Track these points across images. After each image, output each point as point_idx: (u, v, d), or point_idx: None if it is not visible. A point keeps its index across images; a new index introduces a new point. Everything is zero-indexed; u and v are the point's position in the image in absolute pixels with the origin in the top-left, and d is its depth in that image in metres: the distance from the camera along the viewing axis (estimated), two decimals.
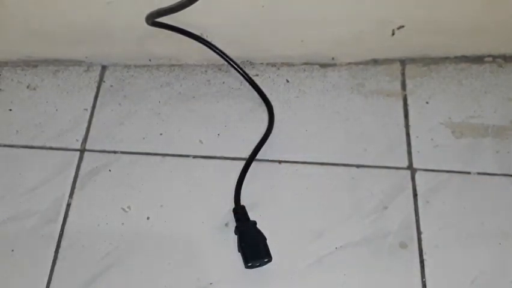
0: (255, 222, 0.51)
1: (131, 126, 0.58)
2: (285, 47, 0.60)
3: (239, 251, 0.50)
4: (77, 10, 0.55)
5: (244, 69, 0.58)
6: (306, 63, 0.62)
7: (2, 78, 0.62)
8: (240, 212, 0.51)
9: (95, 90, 0.61)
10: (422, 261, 0.50)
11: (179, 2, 0.52)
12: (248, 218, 0.51)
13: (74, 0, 0.54)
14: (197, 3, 0.51)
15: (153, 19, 0.54)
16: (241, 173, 0.53)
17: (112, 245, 0.51)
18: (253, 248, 0.49)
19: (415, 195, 0.53)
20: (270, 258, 0.49)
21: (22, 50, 0.62)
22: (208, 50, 0.57)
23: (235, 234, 0.51)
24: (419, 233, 0.51)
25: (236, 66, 0.58)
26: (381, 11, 0.55)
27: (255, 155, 0.55)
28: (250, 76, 0.58)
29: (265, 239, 0.50)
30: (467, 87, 0.59)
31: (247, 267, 0.49)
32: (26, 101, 0.61)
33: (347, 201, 0.53)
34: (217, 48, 0.57)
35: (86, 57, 0.62)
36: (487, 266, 0.49)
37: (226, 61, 0.57)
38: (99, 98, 0.60)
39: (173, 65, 0.63)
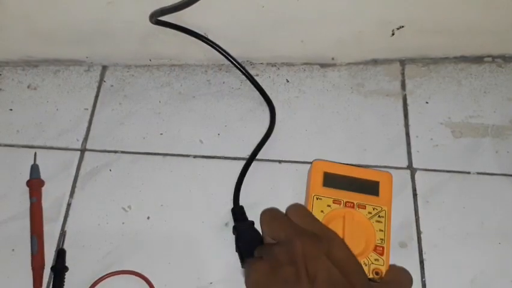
0: (252, 223, 0.51)
1: (131, 126, 0.58)
2: (285, 47, 0.60)
3: (236, 251, 0.50)
4: (77, 10, 0.55)
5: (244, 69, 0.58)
6: (306, 63, 0.62)
7: (3, 78, 0.62)
8: (238, 212, 0.51)
9: (95, 90, 0.61)
10: (421, 261, 0.50)
11: (183, 0, 0.52)
12: (246, 218, 0.51)
13: (75, 0, 0.54)
14: (198, 2, 0.51)
15: (156, 18, 0.54)
16: (240, 173, 0.54)
17: (112, 244, 0.51)
18: (250, 248, 0.49)
19: (415, 194, 0.53)
20: None
21: (23, 50, 0.62)
22: (209, 50, 0.57)
23: (233, 234, 0.51)
24: (418, 232, 0.51)
25: (240, 67, 0.58)
26: (381, 11, 0.55)
27: (255, 156, 0.55)
28: (252, 76, 0.59)
29: (262, 239, 0.50)
30: (467, 87, 0.60)
31: (243, 267, 0.49)
32: (26, 100, 0.61)
33: None
34: (221, 48, 0.57)
35: (87, 57, 0.62)
36: (487, 266, 0.49)
37: (230, 61, 0.57)
38: (99, 98, 0.60)
39: (173, 65, 0.63)
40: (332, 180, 0.50)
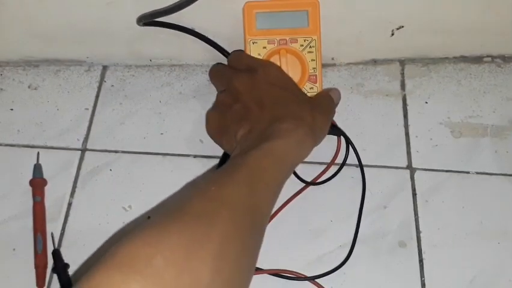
0: None
1: (132, 125, 0.58)
2: None
3: None
4: (77, 10, 0.55)
5: None
6: None
7: (4, 78, 0.62)
8: None
9: (96, 90, 0.61)
10: (421, 261, 0.50)
11: (175, 3, 0.52)
12: None
13: (75, 1, 0.54)
14: (195, 3, 0.51)
15: (144, 21, 0.55)
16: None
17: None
18: None
19: (414, 194, 0.53)
20: None
21: (23, 50, 0.62)
22: (209, 50, 0.57)
23: None
24: (418, 232, 0.52)
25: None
26: (381, 12, 0.55)
27: None
28: None
29: None
30: (466, 87, 0.60)
31: None
32: (27, 100, 0.61)
33: (346, 200, 0.53)
34: (213, 41, 0.57)
35: (87, 57, 0.62)
36: (486, 265, 0.50)
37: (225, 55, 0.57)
38: (100, 98, 0.60)
39: (173, 65, 0.63)
40: (264, 20, 0.53)
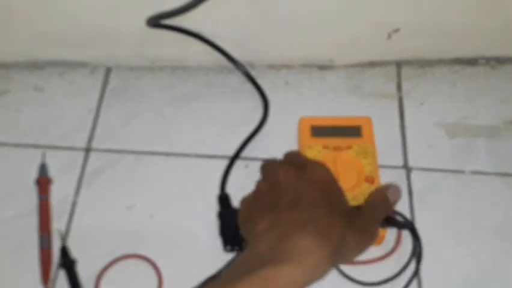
0: (236, 210, 0.51)
1: (135, 126, 0.59)
2: (284, 49, 0.61)
3: (219, 235, 0.52)
4: (81, 13, 0.56)
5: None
6: (304, 65, 0.63)
7: (10, 79, 0.63)
8: (223, 199, 0.53)
9: (100, 91, 0.62)
10: (417, 258, 0.50)
11: (183, 5, 0.53)
12: (229, 206, 0.53)
13: (78, 4, 0.55)
14: (198, 6, 0.52)
15: (154, 22, 0.55)
16: (229, 163, 0.55)
17: (116, 242, 0.52)
18: (231, 232, 0.51)
19: (410, 193, 0.54)
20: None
21: (29, 52, 0.63)
22: (210, 51, 0.58)
23: (217, 219, 0.52)
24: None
25: (236, 65, 0.58)
26: (378, 15, 0.56)
27: (249, 141, 0.57)
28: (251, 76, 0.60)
29: None
30: (461, 88, 0.60)
31: (225, 250, 0.51)
32: (33, 101, 0.62)
33: None
34: (220, 48, 0.58)
35: (91, 60, 0.63)
36: (481, 264, 0.50)
37: (229, 59, 0.58)
38: (104, 99, 0.61)
39: (175, 67, 0.63)
40: (319, 131, 0.55)
